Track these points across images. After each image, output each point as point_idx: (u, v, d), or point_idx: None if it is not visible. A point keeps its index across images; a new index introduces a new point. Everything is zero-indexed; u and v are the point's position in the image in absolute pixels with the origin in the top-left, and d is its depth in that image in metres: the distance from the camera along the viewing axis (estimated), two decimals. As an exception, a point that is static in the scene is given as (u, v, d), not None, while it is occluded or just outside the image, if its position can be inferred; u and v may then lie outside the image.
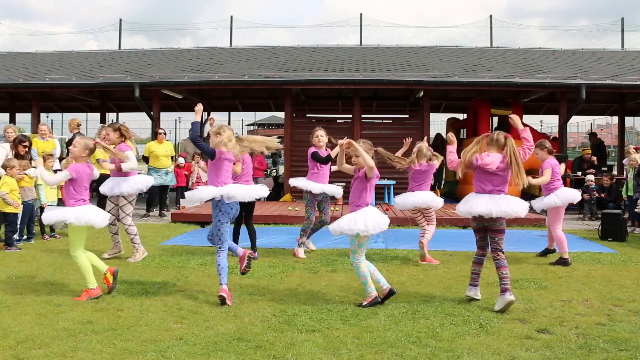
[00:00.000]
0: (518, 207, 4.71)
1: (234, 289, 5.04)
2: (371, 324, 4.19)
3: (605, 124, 32.77)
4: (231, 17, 19.93)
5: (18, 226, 7.36)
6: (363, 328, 4.08)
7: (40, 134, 9.52)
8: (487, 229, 4.75)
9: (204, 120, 18.36)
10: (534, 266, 6.39)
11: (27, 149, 8.20)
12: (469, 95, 14.92)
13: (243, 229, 6.84)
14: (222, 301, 4.64)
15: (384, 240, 7.85)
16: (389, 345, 3.73)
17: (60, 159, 9.93)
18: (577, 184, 11.69)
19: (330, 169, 6.99)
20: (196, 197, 5.01)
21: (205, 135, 15.73)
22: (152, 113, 12.80)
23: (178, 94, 14.43)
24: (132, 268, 6.11)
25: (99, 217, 4.94)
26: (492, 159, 4.73)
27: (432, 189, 7.87)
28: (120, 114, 21.11)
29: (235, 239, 6.63)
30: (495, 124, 15.65)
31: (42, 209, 8.08)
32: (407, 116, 14.38)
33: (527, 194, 13.14)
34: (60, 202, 8.33)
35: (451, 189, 14.36)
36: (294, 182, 7.03)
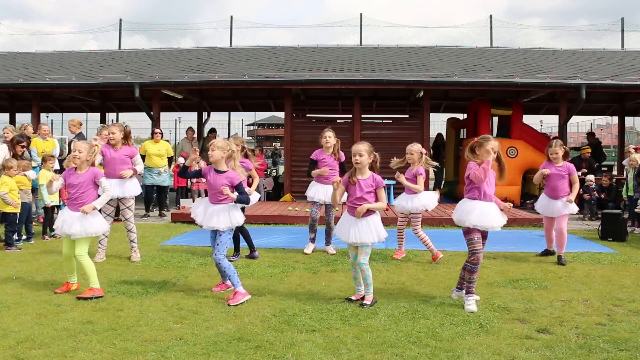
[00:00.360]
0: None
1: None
2: (371, 324, 4.19)
3: (605, 124, 32.78)
4: (231, 17, 19.97)
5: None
6: (363, 328, 4.08)
7: (42, 134, 9.52)
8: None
9: (203, 121, 18.39)
10: (534, 266, 6.38)
11: (24, 149, 8.21)
12: (469, 95, 14.92)
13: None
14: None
15: (384, 240, 7.83)
16: (389, 345, 3.73)
17: (61, 160, 9.95)
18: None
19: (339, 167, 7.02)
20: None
21: (205, 135, 15.75)
22: (152, 113, 12.80)
23: (178, 94, 14.43)
24: (132, 268, 6.11)
25: (106, 225, 5.29)
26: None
27: (433, 188, 7.88)
28: (120, 114, 21.13)
29: (237, 243, 6.68)
30: (495, 124, 15.66)
31: (45, 209, 8.08)
32: (407, 116, 14.38)
33: (527, 194, 13.17)
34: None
35: (451, 189, 14.37)
36: (307, 193, 7.12)
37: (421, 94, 13.56)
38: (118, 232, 7.10)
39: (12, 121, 17.84)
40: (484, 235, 4.76)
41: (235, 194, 4.82)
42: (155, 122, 12.57)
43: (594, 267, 6.34)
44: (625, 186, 9.76)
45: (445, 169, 16.07)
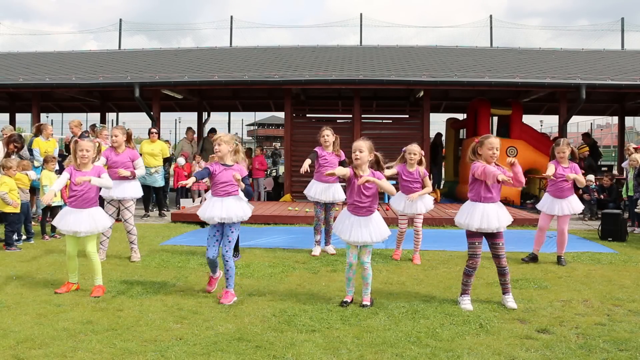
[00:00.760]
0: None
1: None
2: (371, 324, 4.19)
3: (605, 124, 32.75)
4: (231, 17, 19.95)
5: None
6: (363, 328, 4.08)
7: (46, 134, 9.54)
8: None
9: (203, 121, 18.39)
10: (534, 266, 6.39)
11: (16, 149, 8.23)
12: (469, 95, 14.93)
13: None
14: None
15: (384, 240, 7.83)
16: (389, 345, 3.73)
17: (62, 158, 9.95)
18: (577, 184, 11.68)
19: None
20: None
21: (205, 135, 15.75)
22: (152, 113, 12.80)
23: (178, 94, 14.43)
24: (132, 268, 6.11)
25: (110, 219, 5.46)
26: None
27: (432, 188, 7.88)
28: (120, 114, 21.14)
29: (237, 243, 6.69)
30: (495, 124, 15.66)
31: (48, 208, 8.07)
32: (407, 116, 14.38)
33: (527, 194, 13.17)
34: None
35: (451, 189, 14.37)
36: (307, 192, 7.13)
37: (421, 94, 13.57)
38: (118, 232, 7.10)
39: (12, 121, 17.85)
40: (495, 235, 4.70)
41: (242, 185, 4.85)
42: (155, 122, 12.57)
43: (594, 267, 6.34)
44: (625, 186, 9.76)
45: (444, 169, 16.09)
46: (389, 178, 5.06)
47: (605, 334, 3.97)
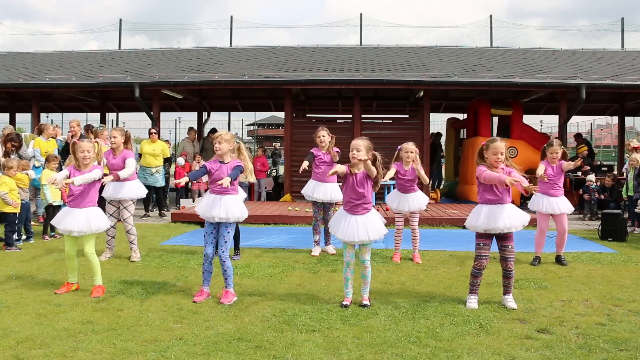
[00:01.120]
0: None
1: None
2: (371, 324, 4.19)
3: (605, 124, 32.74)
4: (231, 17, 19.95)
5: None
6: (363, 328, 4.08)
7: (48, 133, 9.54)
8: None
9: (203, 121, 18.39)
10: (533, 266, 6.39)
11: (14, 148, 8.23)
12: (469, 95, 14.92)
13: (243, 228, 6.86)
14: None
15: (384, 240, 7.84)
16: (389, 345, 3.73)
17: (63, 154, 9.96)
18: (577, 184, 11.69)
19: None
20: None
21: (205, 135, 15.75)
22: (152, 113, 12.80)
23: (178, 94, 14.42)
24: (132, 268, 6.11)
25: (108, 222, 5.31)
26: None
27: (432, 188, 7.89)
28: (120, 114, 21.12)
29: (237, 242, 6.71)
30: (495, 124, 15.65)
31: (49, 207, 8.06)
32: (407, 116, 14.38)
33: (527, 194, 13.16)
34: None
35: (451, 189, 14.37)
36: (305, 191, 7.16)
37: (421, 94, 13.56)
38: (118, 233, 7.09)
39: (12, 121, 17.84)
40: (505, 237, 4.69)
41: (228, 178, 4.63)
42: (155, 122, 12.57)
43: (594, 267, 6.34)
44: (625, 186, 9.76)
45: (444, 169, 16.08)
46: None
47: (605, 334, 3.97)
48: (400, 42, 26.67)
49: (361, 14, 19.52)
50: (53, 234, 8.15)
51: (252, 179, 5.30)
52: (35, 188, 8.91)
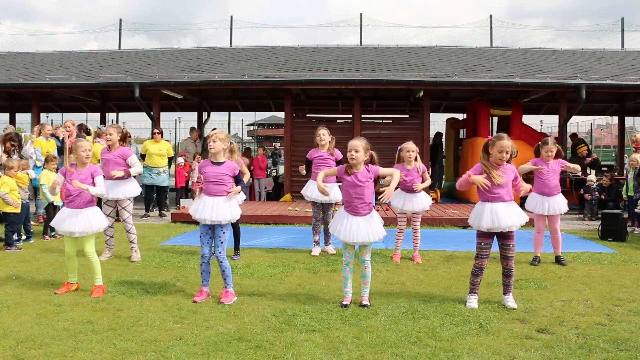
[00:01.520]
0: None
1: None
2: (371, 324, 4.19)
3: (605, 124, 32.74)
4: (231, 17, 19.95)
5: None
6: (363, 328, 4.08)
7: (46, 133, 9.54)
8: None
9: (203, 121, 18.39)
10: (534, 266, 6.38)
11: (14, 147, 8.24)
12: (469, 95, 14.92)
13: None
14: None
15: (384, 241, 7.84)
16: (389, 345, 3.73)
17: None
18: (577, 184, 11.69)
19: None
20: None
21: (205, 135, 15.74)
22: (152, 113, 12.80)
23: (178, 94, 14.43)
24: (132, 268, 6.11)
25: (107, 221, 5.37)
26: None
27: (432, 188, 7.89)
28: (120, 114, 21.10)
29: (237, 242, 6.71)
30: (495, 124, 15.65)
31: (50, 206, 8.05)
32: (407, 116, 14.38)
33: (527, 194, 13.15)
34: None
35: (451, 189, 14.36)
36: (304, 192, 7.19)
37: (421, 94, 13.56)
38: (118, 232, 7.10)
39: (12, 121, 17.85)
40: (506, 235, 4.68)
41: (238, 187, 4.86)
42: (155, 122, 12.57)
43: (594, 267, 6.34)
44: (625, 186, 9.75)
45: (444, 169, 16.07)
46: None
47: (605, 334, 3.97)
48: (400, 42, 26.63)
49: (361, 14, 19.54)
50: (53, 234, 8.15)
51: (245, 179, 5.43)
52: (35, 188, 8.92)
